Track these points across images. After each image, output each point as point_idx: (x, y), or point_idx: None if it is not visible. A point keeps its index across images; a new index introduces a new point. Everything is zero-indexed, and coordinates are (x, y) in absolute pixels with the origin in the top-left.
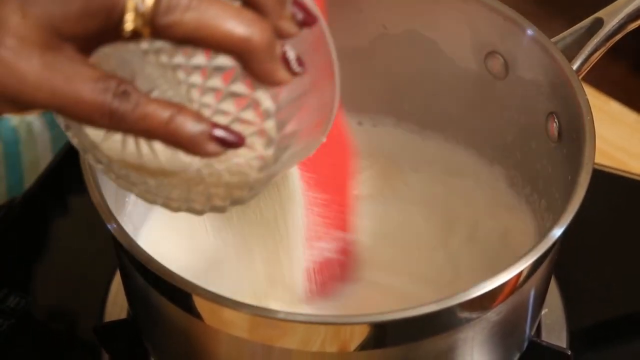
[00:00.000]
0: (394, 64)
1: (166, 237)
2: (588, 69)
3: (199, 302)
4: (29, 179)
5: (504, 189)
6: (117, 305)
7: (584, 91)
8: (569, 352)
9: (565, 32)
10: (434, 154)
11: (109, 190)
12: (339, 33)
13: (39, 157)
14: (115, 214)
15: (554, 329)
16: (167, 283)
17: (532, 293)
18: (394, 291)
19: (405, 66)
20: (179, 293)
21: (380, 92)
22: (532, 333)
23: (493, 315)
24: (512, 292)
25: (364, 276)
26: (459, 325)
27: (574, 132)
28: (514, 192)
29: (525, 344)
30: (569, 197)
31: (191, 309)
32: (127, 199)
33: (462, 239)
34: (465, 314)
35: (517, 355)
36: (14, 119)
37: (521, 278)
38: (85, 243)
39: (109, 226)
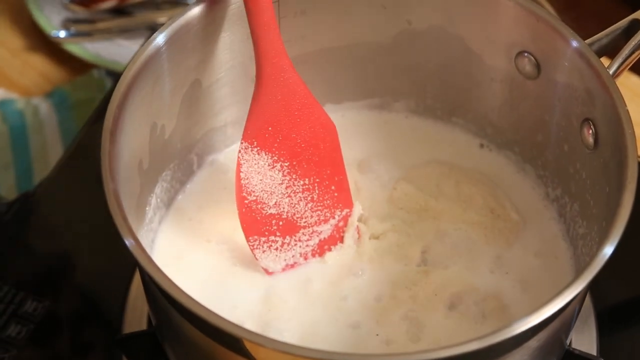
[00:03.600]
0: (418, 59)
1: (181, 241)
2: (624, 71)
3: (248, 345)
4: (38, 168)
5: (531, 188)
6: (136, 310)
7: (624, 102)
8: None
9: (601, 33)
10: (458, 148)
11: (129, 200)
12: (363, 29)
13: (47, 142)
14: (137, 224)
15: (584, 331)
16: (211, 326)
17: (575, 311)
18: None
19: (429, 61)
20: (225, 336)
21: (403, 86)
22: (568, 343)
23: (541, 336)
24: (557, 317)
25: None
26: (498, 356)
27: (613, 143)
28: (542, 192)
29: (562, 354)
30: (611, 216)
31: (237, 350)
32: (147, 208)
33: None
34: (509, 346)
35: None
36: (19, 102)
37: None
38: (102, 244)
39: (137, 258)
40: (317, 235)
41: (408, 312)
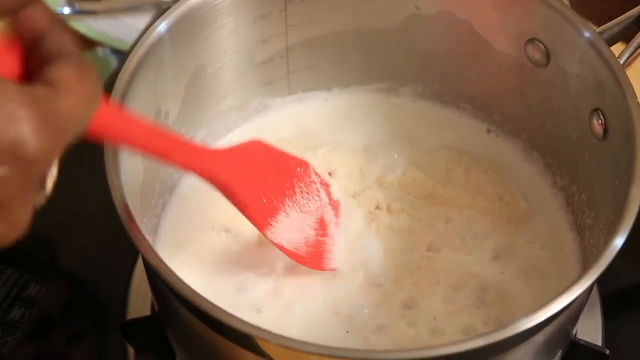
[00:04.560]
0: (426, 44)
1: (185, 227)
2: (635, 60)
3: (262, 344)
4: None
5: (539, 176)
6: (140, 295)
7: (635, 93)
8: (607, 352)
9: (612, 22)
10: (465, 133)
11: (132, 187)
12: (371, 13)
13: None
14: (140, 210)
15: (589, 319)
16: (215, 320)
17: (583, 303)
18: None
19: (438, 46)
20: (228, 329)
21: (411, 71)
22: (575, 334)
23: (548, 330)
24: (564, 311)
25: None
26: (504, 352)
27: (622, 135)
28: (549, 181)
29: (568, 345)
30: (620, 210)
31: (240, 342)
32: (151, 194)
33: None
34: (515, 342)
35: (559, 354)
36: None
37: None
38: (106, 227)
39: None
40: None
41: (409, 298)
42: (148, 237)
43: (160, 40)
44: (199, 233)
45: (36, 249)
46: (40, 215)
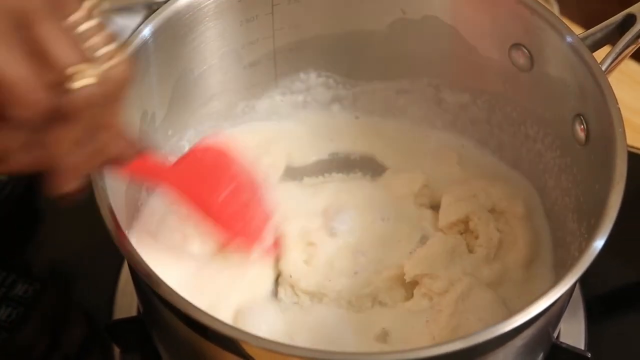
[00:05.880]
0: (413, 48)
1: (171, 226)
2: (617, 66)
3: (245, 347)
4: None
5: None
6: (127, 295)
7: (616, 100)
8: (589, 355)
9: (595, 27)
10: (449, 139)
11: (119, 188)
12: (357, 17)
13: None
14: (126, 211)
15: (572, 322)
16: (211, 330)
17: (564, 305)
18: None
19: (423, 50)
20: (225, 340)
21: (397, 74)
22: (555, 336)
23: (527, 333)
24: (543, 314)
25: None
26: (482, 355)
27: (603, 141)
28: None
29: (549, 348)
30: (599, 215)
31: (225, 347)
32: (137, 194)
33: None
34: (492, 345)
35: (541, 356)
36: None
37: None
38: (93, 227)
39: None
40: None
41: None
42: (141, 236)
43: (144, 43)
44: (185, 232)
45: (24, 250)
46: (29, 216)
